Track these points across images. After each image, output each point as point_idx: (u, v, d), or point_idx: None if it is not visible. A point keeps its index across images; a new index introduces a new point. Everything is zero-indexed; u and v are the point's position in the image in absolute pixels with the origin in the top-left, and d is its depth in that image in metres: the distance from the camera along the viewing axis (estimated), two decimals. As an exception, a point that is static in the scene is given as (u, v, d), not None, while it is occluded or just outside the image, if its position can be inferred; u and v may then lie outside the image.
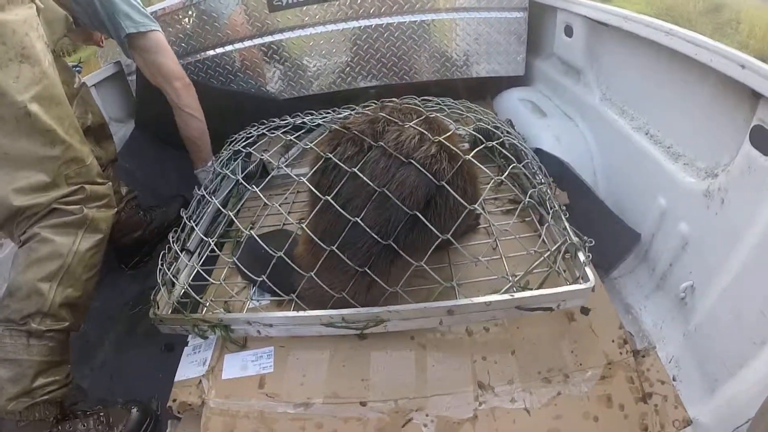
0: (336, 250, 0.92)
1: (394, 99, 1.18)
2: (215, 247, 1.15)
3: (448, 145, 0.94)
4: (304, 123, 1.36)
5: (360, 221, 0.90)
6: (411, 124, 0.95)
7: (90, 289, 1.17)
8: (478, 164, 0.96)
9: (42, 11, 1.15)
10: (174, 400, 1.01)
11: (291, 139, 1.14)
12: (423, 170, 0.90)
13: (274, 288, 1.02)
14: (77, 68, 1.67)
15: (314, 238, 0.95)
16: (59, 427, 1.08)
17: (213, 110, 1.82)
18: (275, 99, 2.06)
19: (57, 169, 1.10)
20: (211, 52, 1.98)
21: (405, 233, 0.91)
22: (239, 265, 1.09)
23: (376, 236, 0.90)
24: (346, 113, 1.38)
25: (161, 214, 1.74)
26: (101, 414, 1.14)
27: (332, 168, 0.96)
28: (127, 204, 1.64)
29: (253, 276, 1.07)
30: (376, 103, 1.25)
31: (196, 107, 1.61)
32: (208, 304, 1.11)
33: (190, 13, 1.89)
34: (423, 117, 0.99)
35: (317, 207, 0.95)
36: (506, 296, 0.92)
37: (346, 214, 0.91)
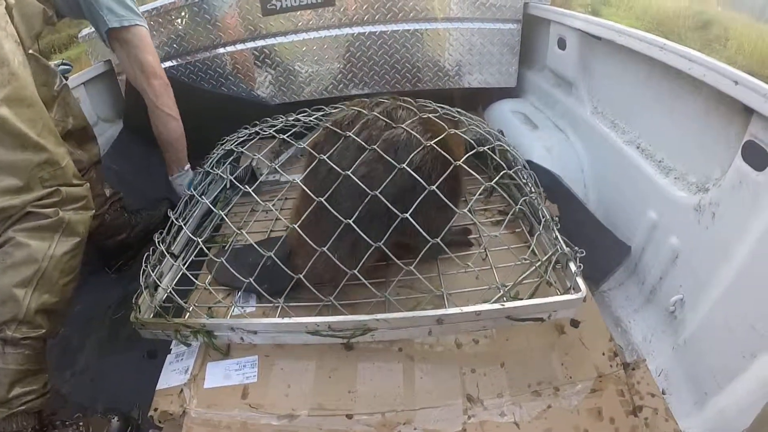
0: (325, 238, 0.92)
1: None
2: (204, 248, 1.12)
3: (438, 149, 0.94)
4: (297, 120, 1.35)
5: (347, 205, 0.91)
6: (404, 126, 0.95)
7: (68, 294, 1.14)
8: (468, 169, 0.96)
9: (15, 7, 1.12)
10: (155, 409, 0.99)
11: (284, 138, 1.12)
12: (413, 173, 0.91)
13: (262, 291, 1.00)
14: (67, 66, 1.64)
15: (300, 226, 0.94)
16: None
17: (203, 113, 1.79)
18: (266, 104, 2.04)
19: (30, 172, 1.06)
20: (204, 54, 1.97)
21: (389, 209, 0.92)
22: (229, 270, 1.06)
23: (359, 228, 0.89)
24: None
25: (147, 217, 1.71)
26: (80, 424, 1.11)
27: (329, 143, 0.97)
28: (112, 206, 1.61)
29: (242, 278, 1.04)
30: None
31: (174, 108, 1.57)
32: (191, 309, 1.09)
33: (183, 14, 1.87)
34: (417, 117, 0.99)
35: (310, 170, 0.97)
36: (497, 306, 0.91)
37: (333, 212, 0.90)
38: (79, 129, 1.44)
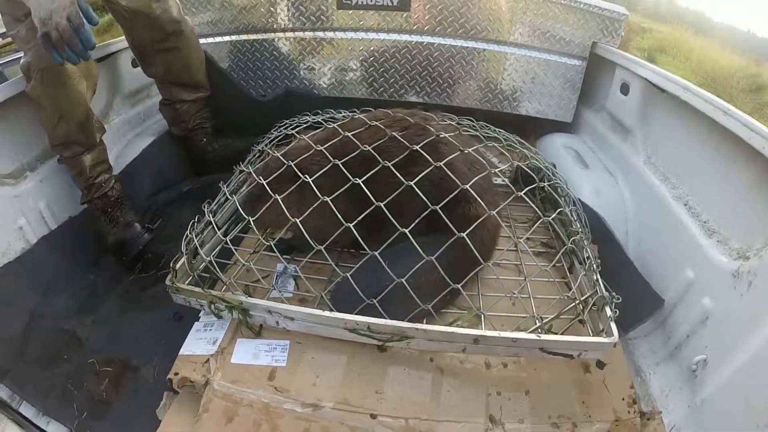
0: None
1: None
2: (253, 227, 1.14)
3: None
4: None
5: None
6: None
7: None
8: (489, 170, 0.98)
9: None
10: (176, 374, 1.00)
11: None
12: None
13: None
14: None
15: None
16: None
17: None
18: (316, 97, 2.07)
19: None
20: (265, 36, 2.02)
21: None
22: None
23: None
24: None
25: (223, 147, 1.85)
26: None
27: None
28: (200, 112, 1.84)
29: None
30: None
31: None
32: (228, 284, 1.09)
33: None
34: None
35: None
36: (533, 336, 0.93)
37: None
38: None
